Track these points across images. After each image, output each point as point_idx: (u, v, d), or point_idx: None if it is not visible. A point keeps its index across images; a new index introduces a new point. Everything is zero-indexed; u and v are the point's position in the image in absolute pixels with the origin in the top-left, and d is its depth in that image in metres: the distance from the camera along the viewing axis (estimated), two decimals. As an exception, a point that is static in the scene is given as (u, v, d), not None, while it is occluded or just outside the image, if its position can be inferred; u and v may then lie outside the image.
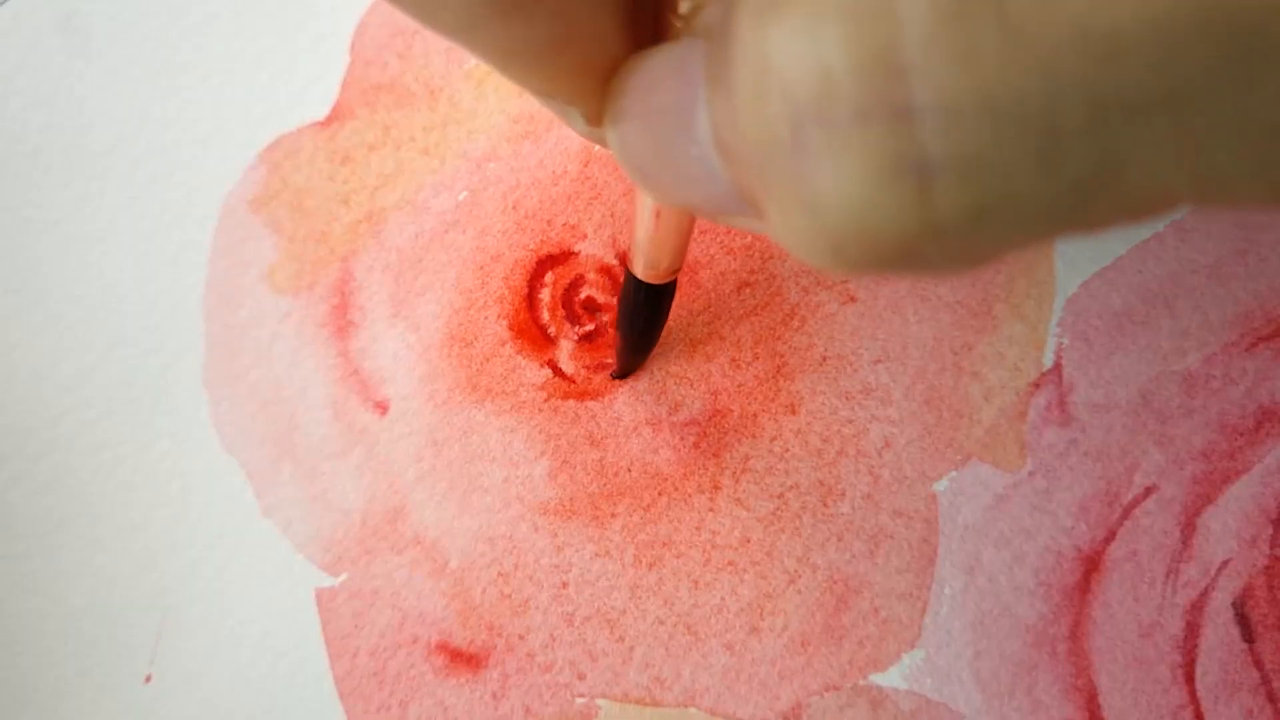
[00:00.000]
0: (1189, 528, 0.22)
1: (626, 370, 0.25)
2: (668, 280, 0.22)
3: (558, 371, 0.25)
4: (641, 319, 0.23)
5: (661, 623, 0.23)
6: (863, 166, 0.10)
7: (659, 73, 0.13)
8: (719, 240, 0.25)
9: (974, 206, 0.10)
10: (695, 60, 0.12)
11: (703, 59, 0.12)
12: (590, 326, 0.25)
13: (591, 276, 0.26)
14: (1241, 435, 0.23)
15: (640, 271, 0.21)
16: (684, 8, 0.13)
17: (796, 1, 0.10)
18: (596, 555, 0.24)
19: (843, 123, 0.10)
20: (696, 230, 0.26)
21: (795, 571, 0.23)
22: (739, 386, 0.24)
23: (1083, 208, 0.10)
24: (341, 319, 0.26)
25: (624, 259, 0.26)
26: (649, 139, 0.13)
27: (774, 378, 0.24)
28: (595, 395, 0.25)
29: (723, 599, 0.23)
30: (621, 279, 0.26)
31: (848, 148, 0.10)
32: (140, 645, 0.24)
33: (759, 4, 0.10)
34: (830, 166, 0.10)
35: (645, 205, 0.19)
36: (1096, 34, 0.08)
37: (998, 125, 0.09)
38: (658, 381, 0.25)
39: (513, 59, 0.13)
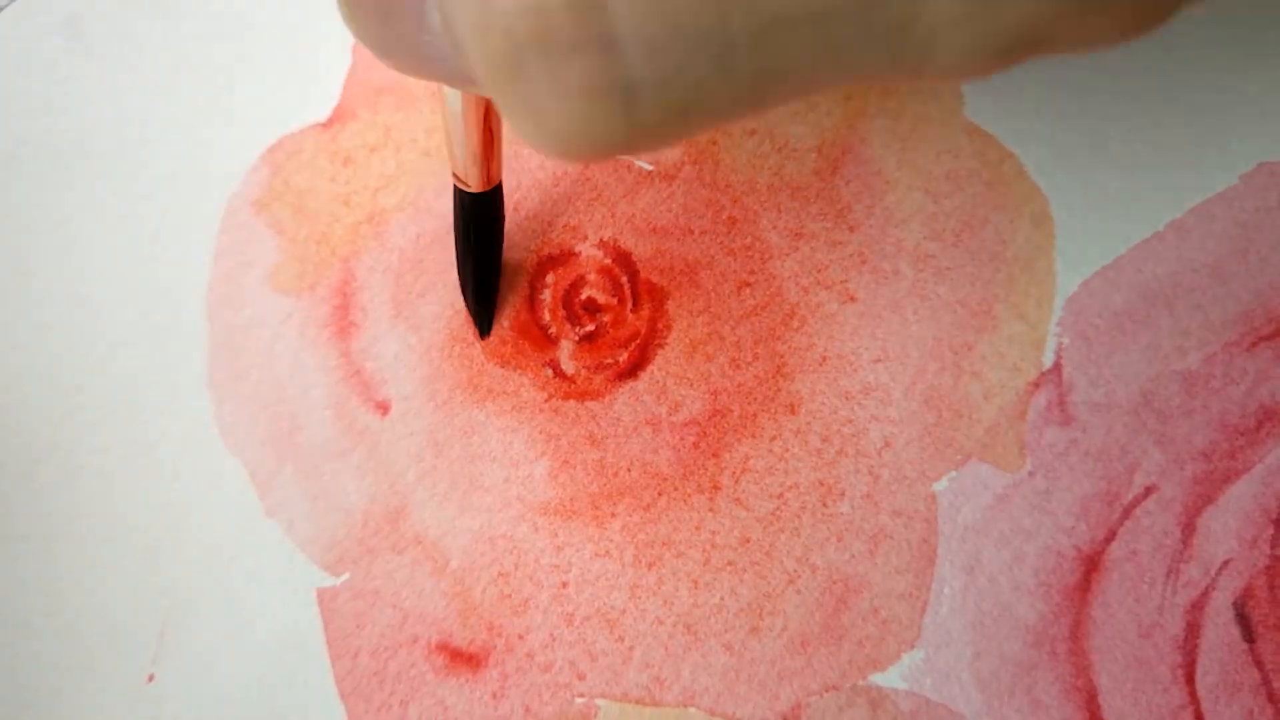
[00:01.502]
0: (1189, 528, 0.22)
1: (481, 314, 0.25)
2: (490, 188, 0.23)
3: (558, 372, 0.25)
4: (474, 236, 0.24)
5: (661, 623, 0.23)
6: (578, 90, 0.11)
7: None
8: (719, 241, 0.26)
9: (671, 111, 0.12)
10: None
11: None
12: (591, 327, 0.25)
13: (592, 277, 0.26)
14: (1242, 435, 0.23)
15: (470, 179, 0.23)
16: None
17: None
18: (596, 555, 0.24)
19: (559, 53, 0.11)
20: (696, 231, 0.26)
21: (795, 571, 0.23)
22: (739, 386, 0.24)
23: (756, 99, 0.12)
24: (343, 320, 0.26)
25: (623, 259, 0.26)
26: (386, 24, 0.14)
27: (774, 378, 0.24)
28: (596, 395, 0.25)
29: (722, 599, 0.23)
30: (621, 279, 0.26)
31: (565, 74, 0.11)
32: (142, 645, 0.24)
33: None
34: (549, 90, 0.11)
35: (453, 108, 0.21)
36: None
37: (685, 47, 0.11)
38: (658, 381, 0.25)
39: None
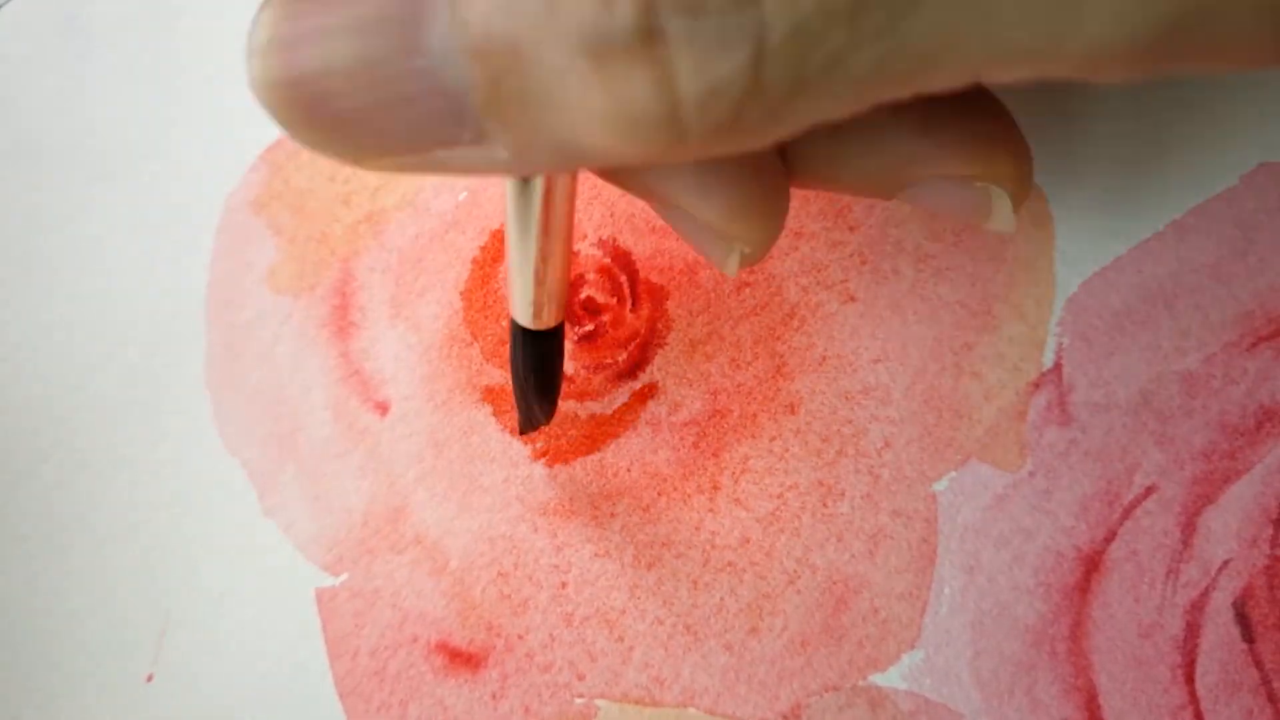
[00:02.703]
0: (1189, 528, 0.22)
1: (531, 425, 0.23)
2: (555, 325, 0.20)
3: (558, 372, 0.25)
4: (535, 374, 0.21)
5: (661, 623, 0.23)
6: (722, 43, 0.10)
7: None
8: (719, 240, 0.26)
9: (796, 78, 0.11)
10: None
11: None
12: (590, 327, 0.25)
13: (591, 277, 0.26)
14: (1242, 435, 0.23)
15: (526, 318, 0.20)
16: None
17: None
18: (596, 555, 0.24)
19: (711, 9, 0.10)
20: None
21: (795, 571, 0.23)
22: (739, 386, 0.24)
23: (883, 76, 0.11)
24: (342, 320, 0.26)
25: (622, 258, 0.26)
26: (352, 54, 0.12)
27: (774, 378, 0.24)
28: (595, 395, 0.25)
29: (722, 599, 0.23)
30: (621, 279, 0.26)
31: (716, 28, 0.10)
32: (142, 645, 0.24)
33: None
34: (691, 51, 0.10)
35: (528, 241, 0.18)
36: None
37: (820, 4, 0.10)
38: (657, 381, 0.25)
39: None
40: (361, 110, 0.12)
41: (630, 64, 0.11)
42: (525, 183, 0.17)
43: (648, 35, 0.10)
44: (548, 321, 0.20)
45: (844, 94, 0.11)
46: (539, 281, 0.19)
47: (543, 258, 0.18)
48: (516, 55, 0.11)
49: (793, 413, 0.24)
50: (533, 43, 0.11)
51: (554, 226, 0.18)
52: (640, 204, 0.26)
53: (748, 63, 0.10)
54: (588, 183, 0.26)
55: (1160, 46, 0.11)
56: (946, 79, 0.11)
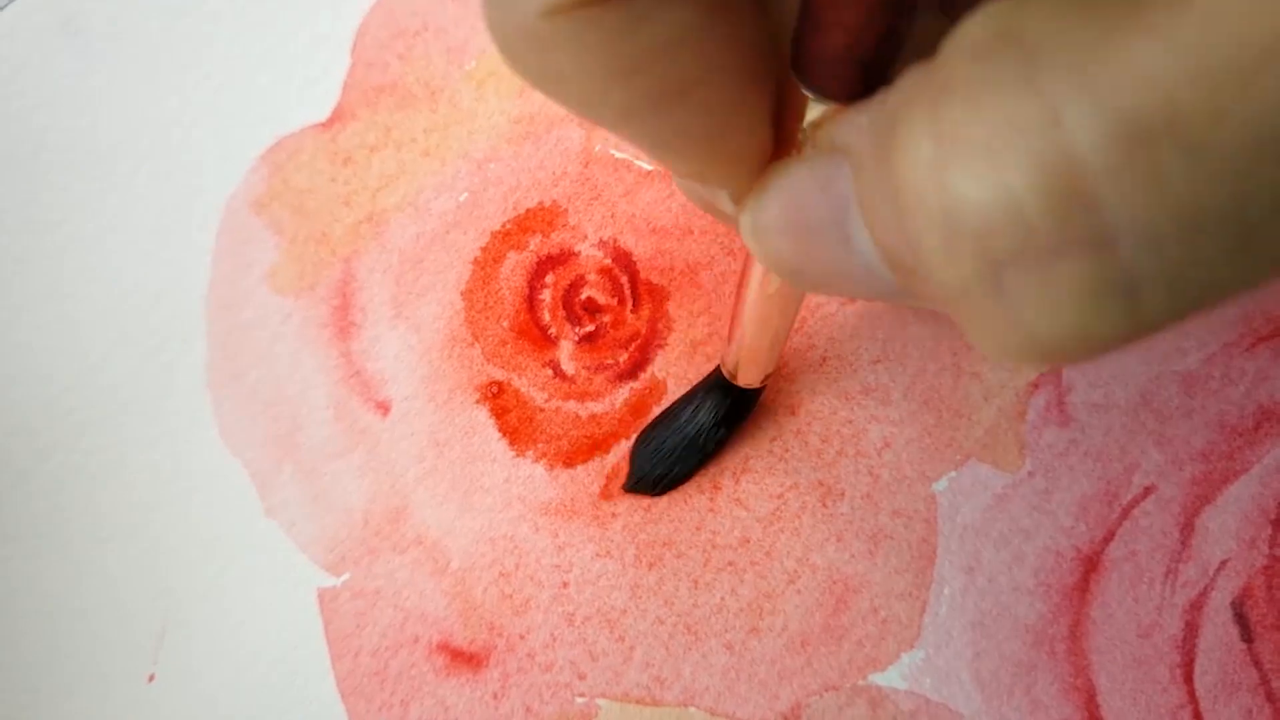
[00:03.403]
0: (1188, 528, 0.22)
1: (650, 485, 0.24)
2: (762, 385, 0.23)
3: (558, 372, 0.25)
4: (726, 424, 0.23)
5: (661, 622, 0.23)
6: (1071, 297, 0.10)
7: (802, 189, 0.13)
8: (719, 240, 0.26)
9: (1183, 302, 0.10)
10: (842, 180, 0.13)
11: (850, 180, 0.13)
12: (591, 327, 0.25)
13: (592, 277, 0.26)
14: (1241, 435, 0.23)
15: (741, 377, 0.22)
16: (810, 116, 0.14)
17: (970, 144, 0.10)
18: (597, 555, 0.24)
19: (1043, 259, 0.10)
20: (696, 231, 0.26)
21: (795, 571, 0.23)
22: (739, 387, 0.24)
23: (1266, 276, 0.10)
24: (343, 320, 0.26)
25: (623, 259, 0.26)
26: (802, 249, 0.14)
27: (773, 378, 0.24)
28: (596, 396, 0.25)
29: (722, 599, 0.23)
30: (621, 279, 0.26)
31: (1053, 282, 0.10)
32: (143, 645, 0.24)
33: (923, 148, 0.10)
34: (1036, 301, 0.10)
35: (754, 311, 0.20)
36: (1271, 138, 0.09)
37: (1196, 237, 0.09)
38: (658, 381, 0.25)
39: (667, 148, 0.14)
40: (819, 279, 0.14)
41: (993, 307, 0.11)
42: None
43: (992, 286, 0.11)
44: (758, 382, 0.23)
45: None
46: (777, 348, 0.21)
47: (786, 329, 0.21)
48: (913, 275, 0.12)
49: (793, 413, 0.24)
50: (918, 270, 0.12)
51: (791, 302, 0.20)
52: (641, 205, 0.26)
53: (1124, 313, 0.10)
54: (589, 186, 0.26)
55: None
56: None
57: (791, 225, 0.14)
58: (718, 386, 0.23)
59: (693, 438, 0.23)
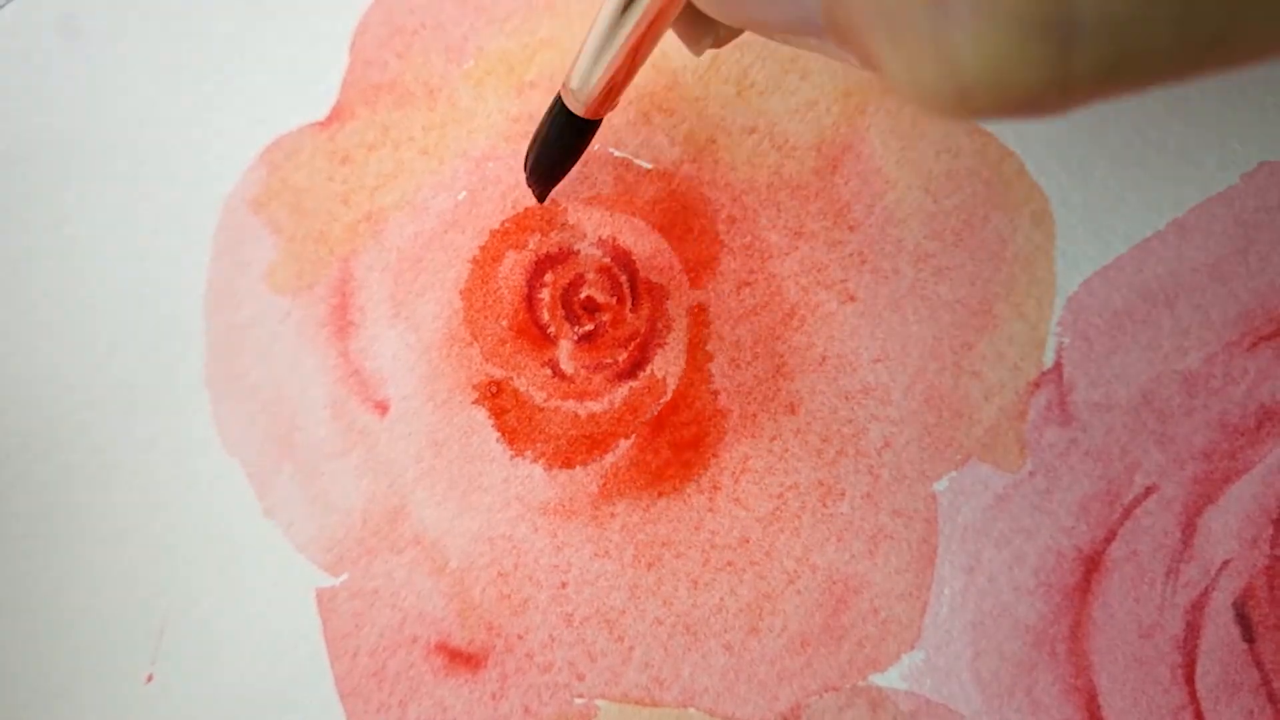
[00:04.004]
0: (1189, 528, 0.22)
1: (542, 192, 0.25)
2: (597, 118, 0.22)
3: (557, 371, 0.25)
4: (558, 156, 0.24)
5: (660, 623, 0.23)
6: (1010, 25, 0.10)
7: None
8: (719, 240, 0.25)
9: (1109, 62, 0.10)
10: None
11: None
12: (590, 326, 0.25)
13: (591, 276, 0.26)
14: (1242, 435, 0.23)
15: (580, 104, 0.22)
16: None
17: None
18: (596, 555, 0.24)
19: None
20: (695, 230, 0.26)
21: (794, 571, 0.23)
22: (739, 386, 0.24)
23: (1197, 64, 0.10)
24: (341, 319, 0.26)
25: (622, 258, 0.26)
26: None
27: (774, 378, 0.24)
28: (595, 395, 0.25)
29: (722, 599, 0.23)
30: (621, 279, 0.26)
31: (997, 7, 0.10)
32: (141, 645, 0.24)
33: None
34: (974, 24, 0.10)
35: (619, 39, 0.19)
36: None
37: None
38: (657, 381, 0.25)
39: None
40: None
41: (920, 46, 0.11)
42: None
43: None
44: (595, 113, 0.22)
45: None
46: (612, 73, 0.20)
47: (630, 52, 0.20)
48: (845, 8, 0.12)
49: (793, 413, 0.24)
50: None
51: (654, 30, 0.19)
52: (641, 204, 0.26)
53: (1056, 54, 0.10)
54: (588, 184, 0.26)
55: None
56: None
57: None
58: (557, 110, 0.23)
59: (537, 159, 0.24)
